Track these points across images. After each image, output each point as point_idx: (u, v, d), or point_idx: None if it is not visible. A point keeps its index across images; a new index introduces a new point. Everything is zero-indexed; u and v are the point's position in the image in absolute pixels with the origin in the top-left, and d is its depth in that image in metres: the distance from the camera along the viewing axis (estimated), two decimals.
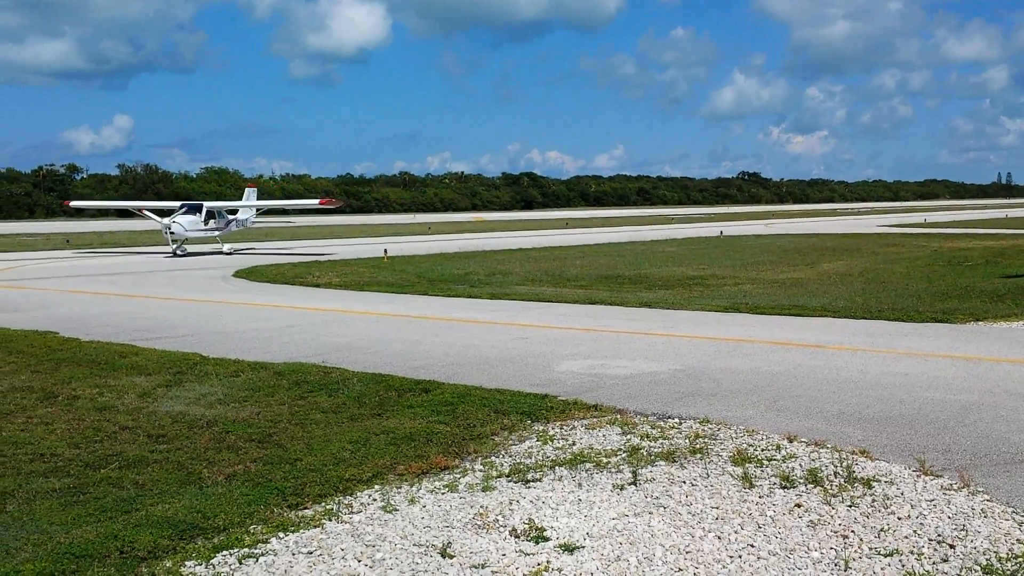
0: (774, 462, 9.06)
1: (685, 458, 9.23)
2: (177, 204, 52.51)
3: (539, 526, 7.43)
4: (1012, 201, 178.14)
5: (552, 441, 10.05)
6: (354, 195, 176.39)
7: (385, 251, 44.97)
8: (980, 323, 18.65)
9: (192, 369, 14.45)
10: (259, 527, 7.56)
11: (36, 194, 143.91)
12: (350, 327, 19.84)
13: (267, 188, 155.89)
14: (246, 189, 65.24)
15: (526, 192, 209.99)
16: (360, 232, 75.25)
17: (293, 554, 7.02)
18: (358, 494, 8.40)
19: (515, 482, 8.64)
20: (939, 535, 7.07)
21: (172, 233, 46.71)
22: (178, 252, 46.56)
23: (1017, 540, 6.91)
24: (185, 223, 47.27)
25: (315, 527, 7.56)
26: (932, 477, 8.51)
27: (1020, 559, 6.53)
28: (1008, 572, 6.32)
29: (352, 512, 7.94)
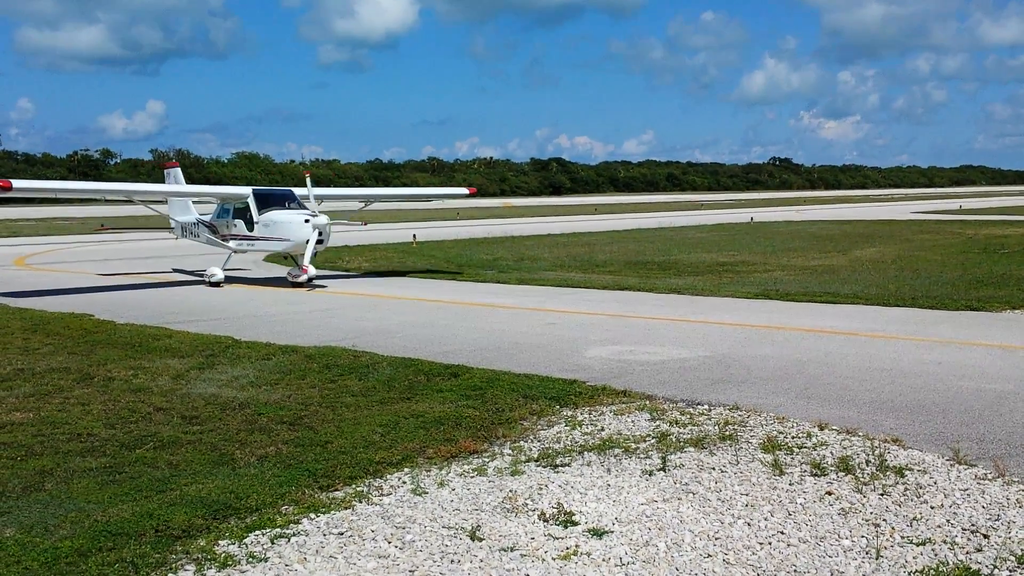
0: (805, 449, 9.01)
1: (714, 444, 9.21)
2: (169, 188, 30.32)
3: (568, 510, 7.44)
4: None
5: (580, 426, 10.05)
6: (383, 180, 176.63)
7: (414, 236, 45.06)
8: (1017, 311, 18.42)
9: (224, 352, 14.57)
10: (291, 508, 7.63)
11: (71, 179, 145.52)
12: (379, 311, 19.92)
13: (296, 173, 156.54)
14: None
15: (554, 178, 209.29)
16: (389, 217, 75.38)
17: (324, 535, 7.07)
18: (388, 477, 8.45)
19: (544, 466, 8.65)
20: (973, 525, 7.01)
21: (319, 242, 24.41)
22: (301, 280, 24.23)
23: None
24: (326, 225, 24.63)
25: (346, 509, 7.62)
26: (966, 467, 8.43)
27: None
28: None
29: (382, 494, 7.99)
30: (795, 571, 6.28)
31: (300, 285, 24.33)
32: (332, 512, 7.54)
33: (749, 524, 7.12)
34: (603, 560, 6.53)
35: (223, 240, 26.51)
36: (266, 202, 25.70)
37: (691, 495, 7.80)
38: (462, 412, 10.55)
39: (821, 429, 9.74)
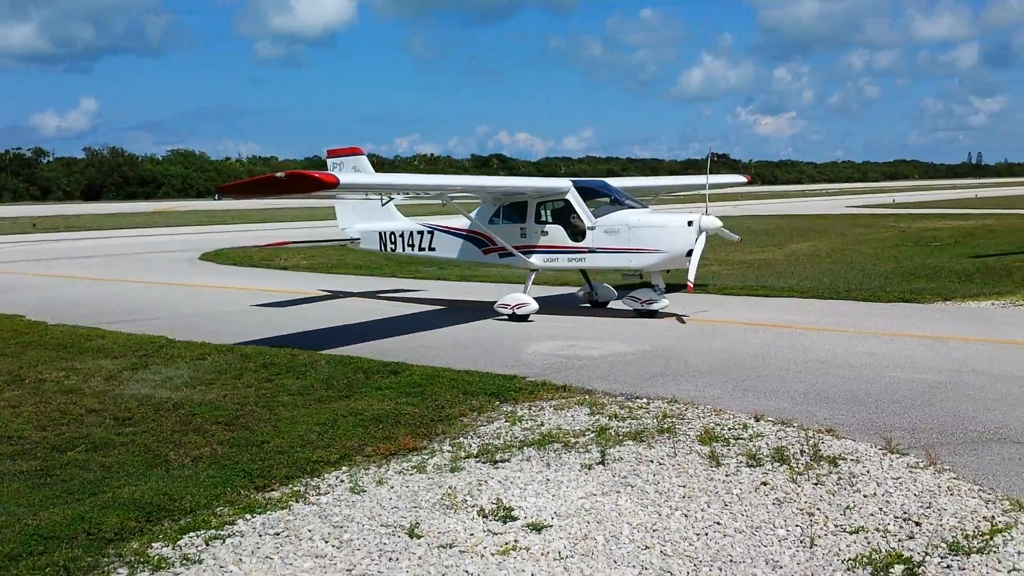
0: (741, 441, 9.10)
1: (653, 437, 9.26)
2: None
3: (507, 506, 7.43)
4: (982, 181, 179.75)
5: (521, 422, 10.04)
6: None
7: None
8: (948, 303, 18.82)
9: (158, 352, 14.30)
10: (226, 509, 7.51)
11: (3, 178, 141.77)
12: (318, 309, 19.72)
13: (233, 171, 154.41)
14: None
15: (496, 174, 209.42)
16: (329, 215, 74.70)
17: (260, 535, 6.97)
18: (326, 476, 8.37)
19: (483, 463, 8.63)
20: (905, 513, 7.14)
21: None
22: (658, 307, 17.55)
23: (983, 517, 6.98)
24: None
25: (282, 509, 7.52)
26: (898, 455, 8.58)
27: (987, 536, 6.59)
28: (975, 549, 6.38)
29: (320, 494, 7.91)
30: (731, 561, 6.34)
31: (651, 314, 17.34)
32: (268, 512, 7.44)
33: (686, 515, 7.17)
34: (542, 554, 6.53)
35: (504, 254, 18.50)
36: (592, 199, 18.12)
37: (629, 488, 7.83)
38: (401, 409, 10.48)
39: (757, 420, 9.86)
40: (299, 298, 21.73)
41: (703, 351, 13.99)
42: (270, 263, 31.15)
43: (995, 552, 6.33)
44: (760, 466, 8.32)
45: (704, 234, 16.64)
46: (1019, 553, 6.30)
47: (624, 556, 6.47)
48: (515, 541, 6.77)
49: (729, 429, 9.54)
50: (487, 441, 9.34)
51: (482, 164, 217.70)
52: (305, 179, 14.33)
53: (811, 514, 7.14)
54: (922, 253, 30.62)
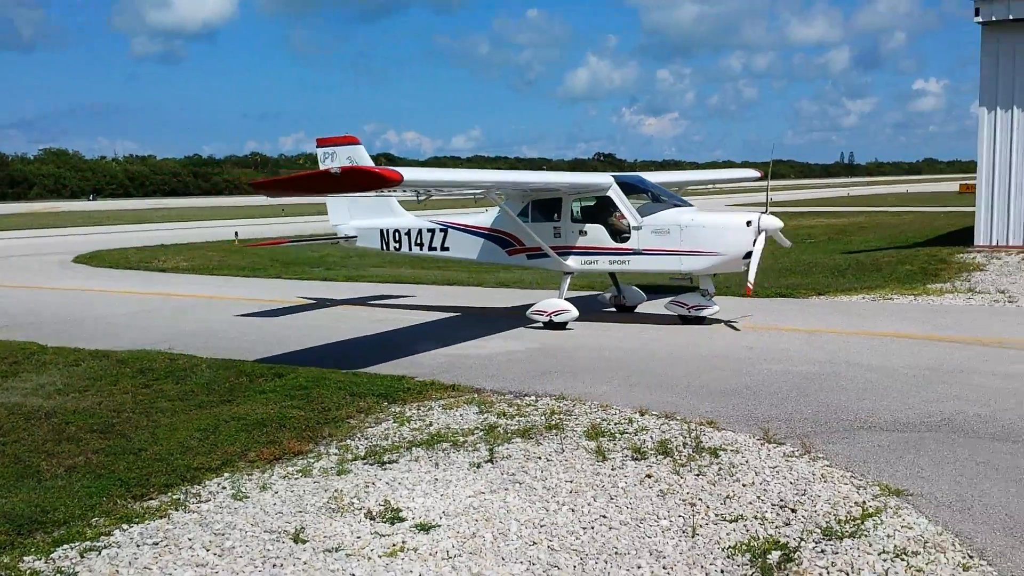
0: (627, 435, 9.24)
1: (541, 434, 9.32)
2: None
3: (395, 507, 7.38)
4: (854, 180, 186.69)
5: (409, 422, 9.99)
6: (203, 177, 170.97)
7: (236, 234, 43.76)
8: (822, 297, 19.50)
9: (29, 359, 13.73)
10: (101, 520, 7.26)
11: None
12: (199, 313, 19.24)
13: (109, 170, 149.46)
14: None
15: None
16: (210, 215, 72.99)
17: (138, 546, 6.76)
18: (207, 483, 8.17)
19: (371, 464, 8.55)
20: (782, 500, 7.36)
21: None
22: (708, 313, 16.36)
23: (855, 503, 7.25)
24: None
25: (161, 518, 7.31)
26: (776, 445, 8.84)
27: (858, 521, 6.85)
28: (847, 533, 6.62)
29: (200, 501, 7.71)
30: (616, 553, 6.43)
31: (698, 319, 16.29)
32: (146, 522, 7.21)
33: (573, 510, 7.25)
34: (430, 554, 6.50)
35: (534, 256, 17.07)
36: (630, 195, 16.59)
37: (518, 485, 7.87)
38: (286, 413, 10.30)
39: (642, 415, 10.03)
40: (272, 309, 21.13)
41: (591, 348, 14.17)
42: (148, 265, 30.24)
43: (866, 536, 6.58)
44: (645, 459, 8.47)
45: (764, 234, 15.55)
46: (888, 536, 6.56)
47: (512, 553, 6.50)
48: (403, 542, 6.73)
49: (615, 424, 9.68)
50: (375, 443, 9.26)
51: None
52: (365, 175, 13.06)
53: (693, 504, 7.30)
54: (797, 250, 31.58)
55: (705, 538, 6.65)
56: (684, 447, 8.76)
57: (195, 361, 13.28)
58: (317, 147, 20.02)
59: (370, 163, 19.13)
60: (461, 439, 9.26)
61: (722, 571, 6.11)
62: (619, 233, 16.23)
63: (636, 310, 17.96)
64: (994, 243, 27.15)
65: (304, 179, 14.18)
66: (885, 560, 6.19)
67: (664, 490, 7.66)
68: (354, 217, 19.97)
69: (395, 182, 12.87)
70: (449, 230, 18.31)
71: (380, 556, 6.50)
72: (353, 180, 13.04)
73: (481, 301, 20.27)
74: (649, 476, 7.99)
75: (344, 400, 10.87)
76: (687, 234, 15.70)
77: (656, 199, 16.57)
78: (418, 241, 18.79)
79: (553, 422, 9.73)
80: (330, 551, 6.60)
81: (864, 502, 7.24)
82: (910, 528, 6.72)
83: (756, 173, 24.79)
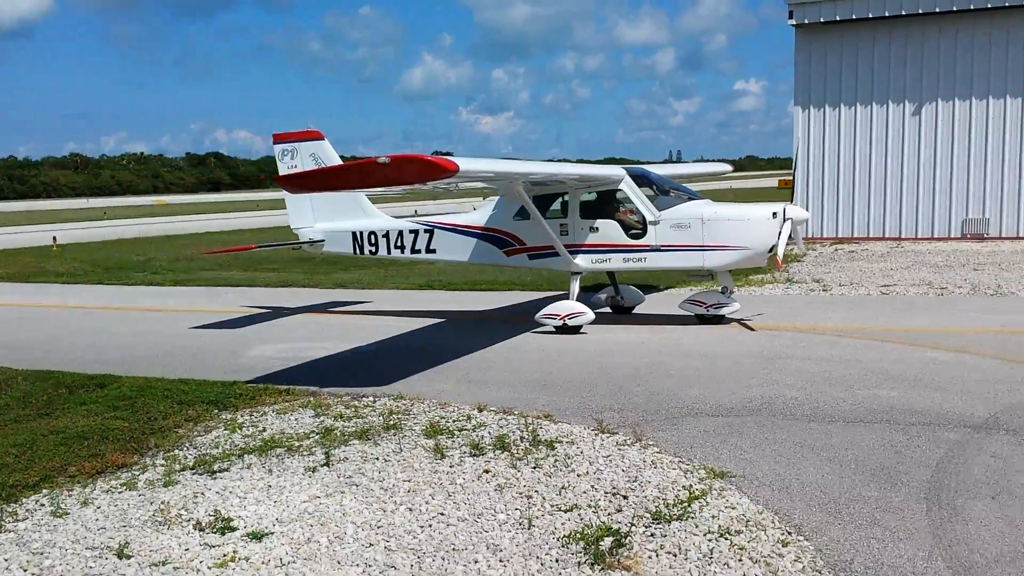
0: (465, 432, 9.28)
1: (379, 435, 9.25)
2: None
3: (226, 517, 7.17)
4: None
5: (241, 429, 9.73)
6: (19, 180, 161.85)
7: (55, 238, 41.61)
8: (663, 292, 20.11)
9: None
10: None
11: None
12: (14, 322, 18.19)
13: None
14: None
15: (213, 173, 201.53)
16: (26, 219, 69.15)
17: None
18: (24, 500, 7.72)
19: (200, 474, 8.28)
20: (614, 488, 7.55)
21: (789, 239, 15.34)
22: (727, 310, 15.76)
23: (683, 487, 7.51)
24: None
25: None
26: (609, 435, 9.06)
27: (685, 504, 7.09)
28: (675, 516, 6.85)
29: (17, 520, 7.28)
30: (454, 549, 6.44)
31: (717, 319, 15.65)
32: None
33: (411, 509, 7.22)
34: (263, 563, 6.34)
35: (536, 255, 16.11)
36: (645, 187, 15.74)
37: (355, 487, 7.78)
38: (109, 424, 9.85)
39: (480, 411, 10.09)
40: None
41: (431, 346, 14.17)
42: None
43: (692, 518, 6.83)
44: (483, 455, 8.52)
45: (790, 223, 14.73)
46: (713, 517, 6.82)
47: (348, 556, 6.42)
48: (234, 552, 6.54)
49: (454, 421, 9.70)
50: (205, 451, 8.97)
51: (198, 163, 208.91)
52: (417, 165, 11.74)
53: (529, 497, 7.39)
54: None
55: (541, 529, 6.75)
56: (521, 441, 8.87)
57: (10, 373, 12.55)
58: (274, 143, 18.65)
59: (337, 160, 17.94)
60: (296, 444, 9.08)
61: (557, 560, 6.21)
62: (634, 229, 15.38)
63: (634, 311, 17.16)
64: (810, 235, 28.66)
65: (342, 171, 12.77)
66: (710, 540, 6.44)
67: (501, 484, 7.72)
68: (320, 219, 18.21)
69: (451, 172, 11.72)
70: (435, 231, 17.01)
71: (210, 568, 6.30)
72: (403, 171, 11.82)
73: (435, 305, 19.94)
74: (487, 471, 8.05)
75: (171, 409, 10.49)
76: (710, 228, 14.94)
77: (665, 192, 15.72)
78: (398, 244, 17.36)
79: (391, 422, 9.67)
80: (156, 565, 6.35)
81: (691, 485, 7.51)
82: (733, 508, 7.01)
83: (728, 168, 24.96)
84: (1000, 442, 8.49)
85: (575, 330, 15.03)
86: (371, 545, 6.57)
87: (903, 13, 26.69)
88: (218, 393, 11.21)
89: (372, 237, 17.50)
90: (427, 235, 17.00)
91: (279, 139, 18.46)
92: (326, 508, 7.32)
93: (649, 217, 15.18)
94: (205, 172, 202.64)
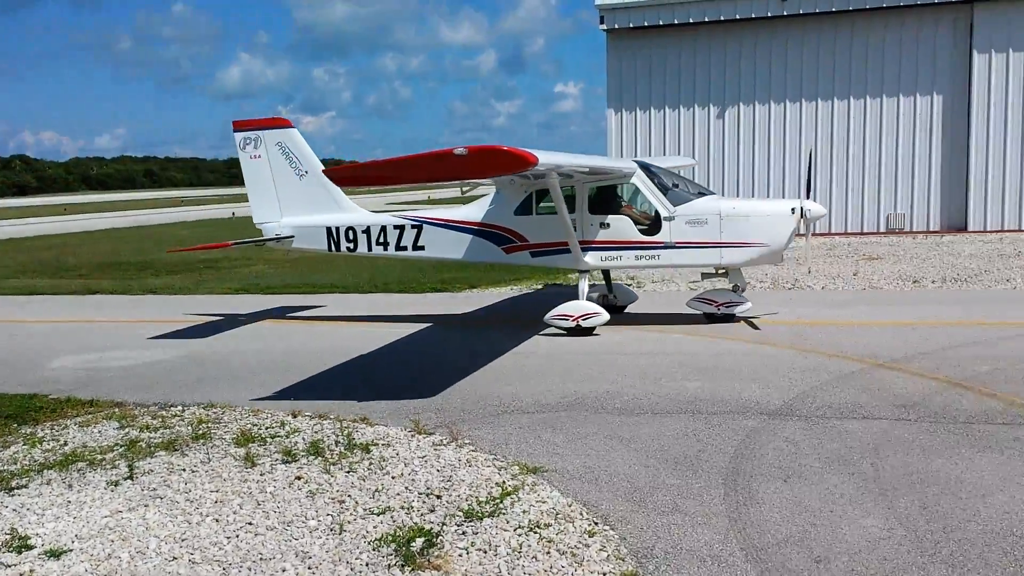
0: (278, 439, 9.13)
1: (187, 445, 8.98)
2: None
3: (23, 535, 6.81)
4: None
5: (41, 443, 9.25)
6: None
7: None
8: (475, 290, 20.31)
9: None
10: None
11: None
12: None
13: None
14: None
15: (19, 177, 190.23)
16: None
17: None
18: None
19: None
20: (428, 488, 7.59)
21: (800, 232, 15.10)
22: (740, 309, 15.28)
23: (496, 483, 7.63)
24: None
25: None
26: (425, 435, 9.10)
27: (497, 500, 7.21)
28: (487, 513, 6.95)
29: None
30: (261, 559, 6.33)
31: (727, 318, 15.12)
32: None
33: (217, 520, 7.04)
34: None
35: (539, 252, 15.42)
36: (657, 182, 15.06)
37: (159, 500, 7.52)
38: None
39: (295, 417, 9.95)
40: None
41: (243, 352, 13.85)
42: None
43: (504, 514, 6.95)
44: (296, 461, 8.41)
45: (807, 220, 14.50)
46: (524, 512, 6.97)
47: (150, 571, 6.21)
48: (31, 571, 6.23)
49: (267, 428, 9.52)
50: (1, 468, 8.48)
51: (3, 166, 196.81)
52: (502, 157, 11.00)
53: (342, 501, 7.35)
54: None
55: (352, 534, 6.72)
56: (337, 445, 8.80)
57: None
58: (234, 131, 17.17)
59: (308, 149, 16.92)
60: (99, 457, 8.71)
61: (367, 564, 6.20)
62: (647, 225, 14.82)
63: (626, 311, 16.58)
64: None
65: (411, 162, 11.65)
66: (520, 535, 6.57)
67: (313, 490, 7.64)
68: (288, 212, 16.81)
69: (532, 164, 11.27)
70: (424, 226, 15.93)
71: None
72: (486, 163, 11.22)
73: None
74: (299, 478, 7.95)
75: None
76: (728, 225, 14.50)
77: (675, 186, 15.19)
78: (381, 240, 16.14)
79: (200, 432, 9.40)
80: None
81: (504, 482, 7.64)
82: (544, 502, 7.18)
83: (693, 161, 24.33)
84: (793, 427, 9.02)
85: (589, 331, 14.48)
86: (175, 559, 6.38)
87: (706, 20, 27.91)
88: (17, 406, 10.68)
89: (350, 233, 16.30)
90: (415, 231, 16.00)
91: (240, 126, 17.14)
92: (128, 523, 7.05)
93: (664, 213, 14.67)
94: (10, 176, 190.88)
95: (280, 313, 17.89)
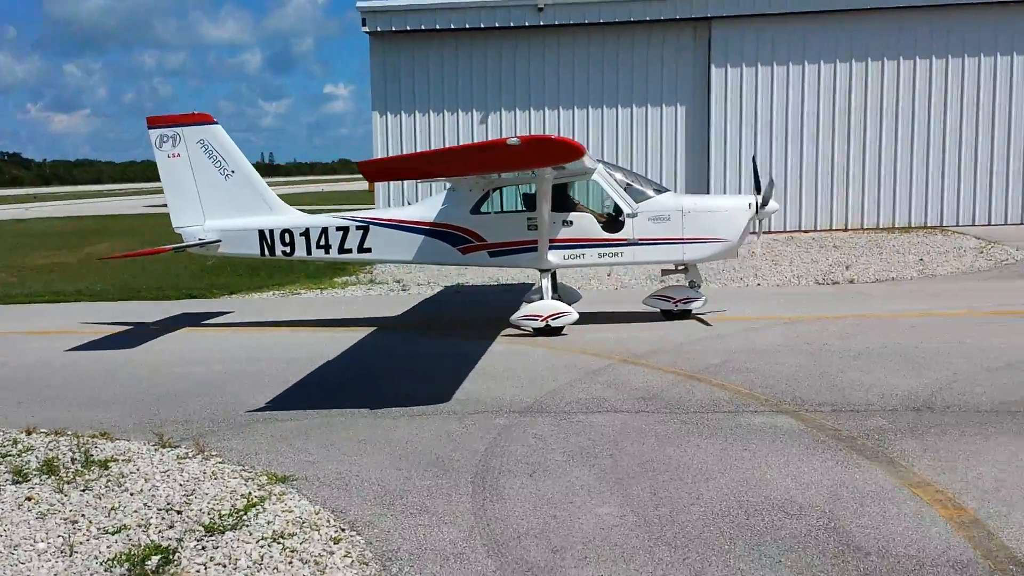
0: (9, 457, 8.57)
1: None
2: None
3: None
4: (274, 180, 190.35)
5: None
6: None
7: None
8: (235, 296, 19.88)
9: None
10: None
11: None
12: None
13: None
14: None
15: None
16: None
17: None
18: None
19: None
20: (169, 503, 7.33)
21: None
22: (696, 306, 15.53)
23: (241, 495, 7.47)
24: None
25: None
26: (170, 449, 8.79)
27: (241, 512, 7.06)
28: (229, 527, 6.78)
29: None
30: None
31: (684, 314, 15.17)
32: None
33: None
34: None
35: (498, 252, 14.90)
36: (618, 179, 14.94)
37: None
38: None
39: (29, 434, 9.37)
40: None
41: None
42: None
43: (247, 526, 6.81)
44: (27, 481, 7.91)
45: (763, 215, 14.80)
46: (268, 523, 6.86)
47: None
48: None
49: None
50: None
51: None
52: (555, 147, 10.98)
53: (75, 522, 6.98)
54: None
55: (84, 555, 6.39)
56: (73, 463, 8.35)
57: None
58: (148, 128, 15.57)
59: (234, 147, 15.53)
60: None
61: None
62: (610, 222, 14.65)
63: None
64: None
65: (463, 153, 11.37)
66: (263, 546, 6.46)
67: (45, 511, 7.21)
68: (212, 215, 15.49)
69: (582, 154, 11.21)
70: (371, 227, 15.05)
71: None
72: (538, 153, 11.03)
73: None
74: (29, 499, 7.48)
75: None
76: (690, 220, 14.60)
77: (634, 183, 15.08)
78: (322, 243, 15.14)
79: None
80: None
81: (250, 493, 7.49)
82: (291, 511, 7.09)
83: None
84: (541, 424, 9.35)
85: (557, 331, 14.21)
86: None
87: (467, 27, 28.35)
88: None
89: (286, 236, 15.22)
90: (360, 232, 15.14)
91: (154, 123, 15.64)
92: None
93: (627, 210, 14.55)
94: None
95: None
